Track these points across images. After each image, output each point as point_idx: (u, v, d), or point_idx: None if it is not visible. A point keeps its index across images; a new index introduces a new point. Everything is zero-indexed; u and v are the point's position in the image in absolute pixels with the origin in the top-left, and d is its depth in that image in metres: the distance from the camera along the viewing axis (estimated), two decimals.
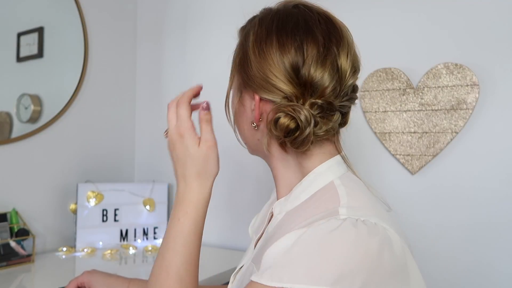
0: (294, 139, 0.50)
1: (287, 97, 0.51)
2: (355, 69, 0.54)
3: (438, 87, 1.04)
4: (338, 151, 0.56)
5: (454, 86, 1.02)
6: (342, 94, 0.52)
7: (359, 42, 1.16)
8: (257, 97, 0.53)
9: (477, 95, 0.99)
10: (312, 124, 0.49)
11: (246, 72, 0.55)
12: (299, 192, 0.54)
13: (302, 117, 0.49)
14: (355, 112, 1.15)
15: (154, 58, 1.61)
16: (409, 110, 1.07)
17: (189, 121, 0.55)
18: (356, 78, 0.55)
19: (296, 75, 0.50)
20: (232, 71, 0.59)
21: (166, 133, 0.57)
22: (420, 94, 1.06)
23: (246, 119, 0.57)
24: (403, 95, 1.08)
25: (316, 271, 0.40)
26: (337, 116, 0.52)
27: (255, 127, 0.55)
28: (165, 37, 1.58)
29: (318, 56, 0.50)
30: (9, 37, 1.24)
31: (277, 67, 0.51)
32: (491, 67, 0.99)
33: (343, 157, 0.56)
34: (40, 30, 1.30)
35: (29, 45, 1.28)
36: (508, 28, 0.97)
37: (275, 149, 0.56)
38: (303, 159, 0.54)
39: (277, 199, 0.58)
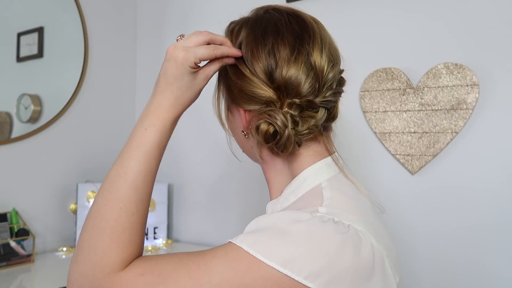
0: (276, 143, 0.51)
1: (266, 103, 0.52)
2: (334, 62, 0.54)
3: (438, 87, 1.04)
4: (329, 152, 0.56)
5: (454, 86, 1.02)
6: (324, 89, 0.52)
7: (359, 42, 1.17)
8: (241, 109, 0.55)
9: (477, 95, 0.99)
10: (289, 126, 0.50)
11: (227, 85, 0.57)
12: (288, 194, 0.54)
13: (279, 122, 0.50)
14: (355, 112, 1.15)
15: (154, 58, 1.61)
16: (409, 110, 1.07)
17: (197, 49, 0.52)
18: (338, 71, 0.55)
19: (270, 79, 0.51)
20: (218, 83, 0.61)
21: (180, 37, 0.55)
22: (420, 94, 1.06)
23: (237, 128, 0.59)
24: (403, 95, 1.08)
25: (272, 248, 0.41)
26: (321, 113, 0.52)
27: (245, 135, 0.57)
28: (165, 37, 1.58)
29: (289, 57, 0.51)
30: (9, 37, 1.24)
31: (251, 76, 0.52)
32: (491, 67, 0.99)
33: (334, 159, 0.56)
34: (40, 30, 1.30)
35: (29, 45, 1.28)
36: (508, 28, 0.97)
37: (266, 155, 0.57)
38: (292, 162, 0.55)
39: (270, 199, 0.59)
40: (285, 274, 0.40)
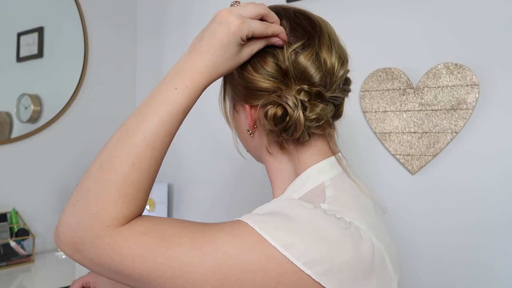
0: (285, 126, 0.51)
1: (274, 92, 0.52)
2: (343, 60, 0.54)
3: (438, 87, 1.04)
4: (333, 152, 0.56)
5: (454, 86, 1.02)
6: (334, 86, 0.53)
7: (359, 42, 1.17)
8: (247, 106, 0.55)
9: (477, 95, 0.99)
10: (299, 107, 0.50)
11: (232, 83, 0.57)
12: (291, 192, 0.55)
13: (290, 102, 0.50)
14: (355, 112, 1.15)
15: (155, 58, 1.61)
16: (409, 110, 1.07)
17: (253, 22, 0.50)
18: (346, 69, 0.55)
19: (278, 70, 0.52)
20: (224, 82, 0.61)
21: (235, 3, 0.53)
22: (420, 94, 1.06)
23: (243, 127, 0.59)
24: (403, 95, 1.08)
25: (277, 230, 0.42)
26: (330, 108, 0.53)
27: (250, 134, 0.57)
28: (165, 37, 1.58)
29: (299, 46, 0.52)
30: (9, 37, 1.24)
31: (256, 72, 0.53)
32: (491, 67, 0.99)
33: (337, 158, 0.56)
34: (40, 30, 1.30)
35: (29, 45, 1.28)
36: (508, 28, 0.97)
37: (274, 149, 0.57)
38: (296, 160, 0.55)
39: (273, 197, 0.59)
40: (286, 257, 0.40)
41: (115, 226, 0.42)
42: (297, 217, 0.43)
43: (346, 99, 0.58)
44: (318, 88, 0.51)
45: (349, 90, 0.57)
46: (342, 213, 0.46)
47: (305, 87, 0.50)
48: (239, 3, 0.53)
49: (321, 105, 0.51)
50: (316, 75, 0.51)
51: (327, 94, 0.52)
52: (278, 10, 0.56)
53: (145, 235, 0.42)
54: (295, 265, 0.40)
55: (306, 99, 0.50)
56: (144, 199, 0.46)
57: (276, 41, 0.52)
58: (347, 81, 0.57)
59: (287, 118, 0.50)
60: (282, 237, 0.41)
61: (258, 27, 0.50)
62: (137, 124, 0.46)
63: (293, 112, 0.50)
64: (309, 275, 0.40)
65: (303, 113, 0.50)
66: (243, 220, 0.43)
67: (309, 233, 0.42)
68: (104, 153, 0.46)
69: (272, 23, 0.52)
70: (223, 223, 0.44)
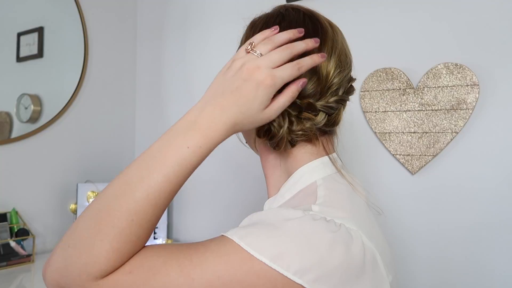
0: (269, 139, 0.52)
1: None
2: (341, 68, 0.53)
3: (438, 87, 1.04)
4: (327, 152, 0.56)
5: (454, 86, 1.02)
6: (328, 94, 0.52)
7: (359, 42, 1.17)
8: None
9: (477, 95, 0.99)
10: (285, 126, 0.50)
11: None
12: (284, 191, 0.55)
13: (275, 123, 0.50)
14: (355, 112, 1.15)
15: (154, 58, 1.61)
16: (409, 110, 1.07)
17: (283, 72, 0.47)
18: (347, 78, 0.54)
19: None
20: None
21: (251, 48, 0.48)
22: (420, 94, 1.06)
23: None
24: (403, 95, 1.08)
25: (263, 242, 0.41)
26: (321, 117, 0.52)
27: None
28: (165, 37, 1.58)
29: None
30: (9, 37, 1.24)
31: None
32: (491, 67, 0.99)
33: (331, 159, 0.56)
34: (40, 30, 1.30)
35: (29, 45, 1.28)
36: (508, 29, 0.97)
37: (261, 149, 0.57)
38: (287, 159, 0.55)
39: (268, 197, 0.59)
40: (275, 270, 0.40)
41: (103, 277, 0.41)
42: (284, 226, 0.43)
43: (346, 105, 0.57)
44: (309, 100, 0.50)
45: (346, 100, 0.56)
46: (333, 214, 0.46)
47: (297, 100, 0.50)
48: (253, 46, 0.48)
49: (309, 122, 0.51)
50: (308, 85, 0.50)
51: (319, 103, 0.51)
52: (289, 12, 0.55)
53: (131, 273, 0.41)
54: (285, 276, 0.40)
55: (295, 113, 0.50)
56: (139, 250, 0.44)
57: (302, 84, 0.49)
58: (348, 91, 0.55)
59: (271, 134, 0.51)
60: (269, 250, 0.41)
61: (290, 74, 0.47)
62: (140, 178, 0.43)
63: (278, 132, 0.50)
64: (300, 284, 0.40)
65: (288, 127, 0.50)
66: (229, 236, 0.42)
67: (296, 241, 0.41)
68: (103, 202, 0.43)
69: (303, 54, 0.49)
70: (209, 243, 0.43)
